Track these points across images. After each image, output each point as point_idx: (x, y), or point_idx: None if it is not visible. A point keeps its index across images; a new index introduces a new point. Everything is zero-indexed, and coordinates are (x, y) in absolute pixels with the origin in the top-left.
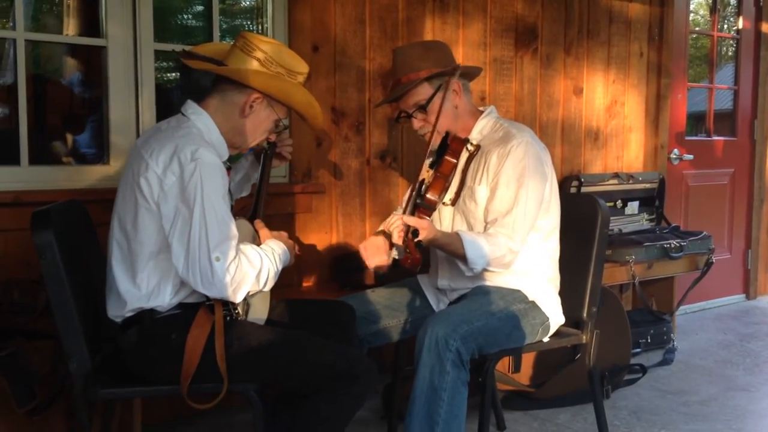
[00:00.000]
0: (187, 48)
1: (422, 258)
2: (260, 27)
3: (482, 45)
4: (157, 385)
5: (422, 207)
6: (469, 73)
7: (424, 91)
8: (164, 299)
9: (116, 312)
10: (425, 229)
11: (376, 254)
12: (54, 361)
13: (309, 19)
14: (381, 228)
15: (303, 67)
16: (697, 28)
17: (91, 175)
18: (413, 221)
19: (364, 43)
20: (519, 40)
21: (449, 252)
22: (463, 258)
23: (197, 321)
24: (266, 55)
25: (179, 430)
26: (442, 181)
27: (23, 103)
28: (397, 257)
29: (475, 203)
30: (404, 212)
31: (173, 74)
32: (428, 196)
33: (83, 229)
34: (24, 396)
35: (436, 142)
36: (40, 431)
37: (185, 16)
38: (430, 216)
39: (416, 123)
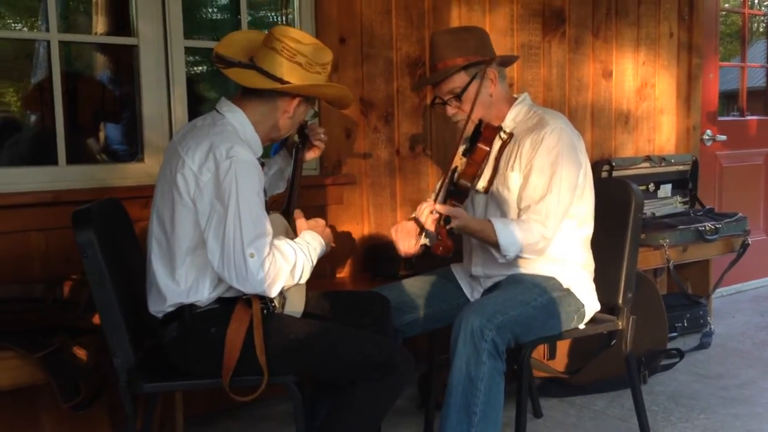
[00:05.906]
0: (218, 51)
1: (454, 245)
2: (286, 19)
3: (509, 31)
4: (197, 378)
5: (455, 194)
6: (506, 61)
7: (460, 79)
8: (203, 294)
9: (157, 307)
10: (457, 216)
11: (405, 238)
12: (97, 356)
13: (336, 11)
14: (413, 215)
15: (330, 56)
16: (726, 5)
17: (127, 173)
18: (445, 209)
19: (391, 33)
20: (546, 24)
21: (481, 239)
22: (496, 245)
23: (236, 315)
24: (307, 58)
25: (219, 422)
26: (474, 168)
27: (59, 103)
28: (428, 244)
29: (509, 190)
30: (436, 199)
31: (201, 68)
32: (461, 182)
33: (122, 226)
34: (69, 391)
35: (469, 129)
36: (84, 425)
37: (211, 10)
38: (462, 203)
39: (450, 110)
